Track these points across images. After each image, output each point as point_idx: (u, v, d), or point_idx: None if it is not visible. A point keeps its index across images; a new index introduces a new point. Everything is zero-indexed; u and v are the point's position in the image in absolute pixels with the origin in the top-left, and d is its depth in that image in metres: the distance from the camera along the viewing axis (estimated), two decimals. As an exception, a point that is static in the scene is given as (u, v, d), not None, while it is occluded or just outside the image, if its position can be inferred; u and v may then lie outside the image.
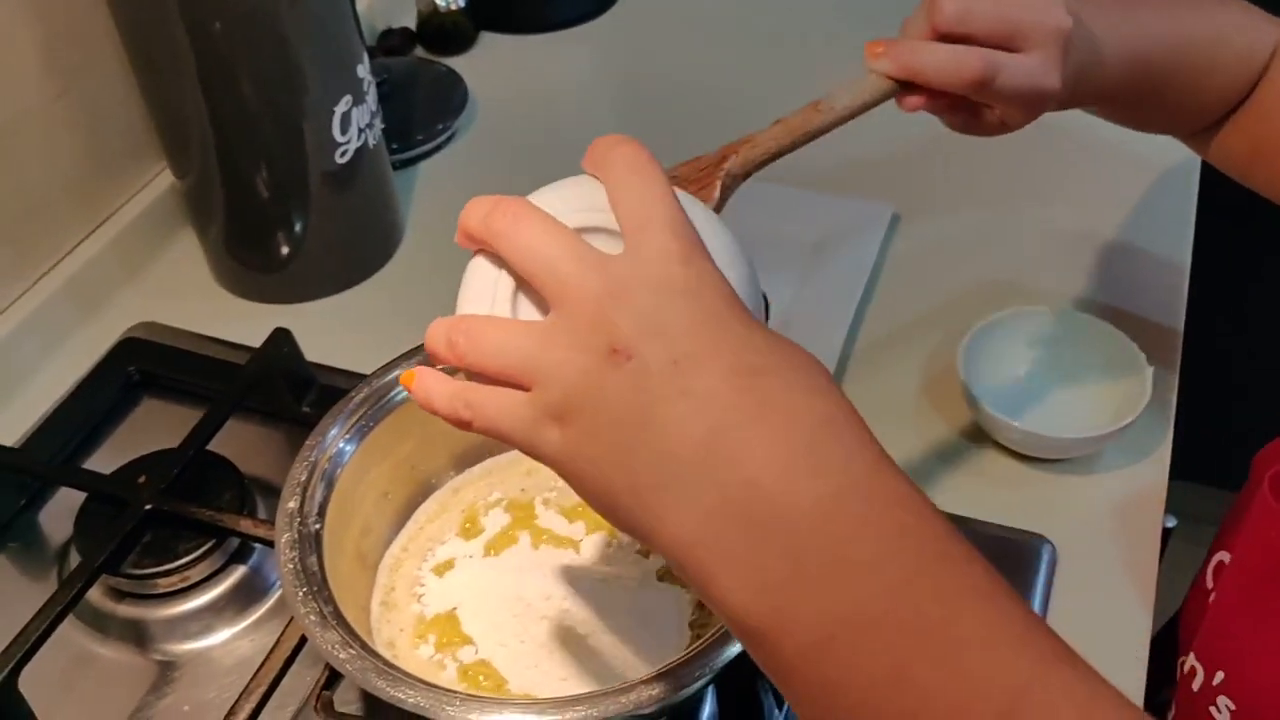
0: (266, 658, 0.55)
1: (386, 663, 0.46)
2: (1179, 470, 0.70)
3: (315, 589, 0.49)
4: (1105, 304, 0.79)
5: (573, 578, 0.55)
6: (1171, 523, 0.83)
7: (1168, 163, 0.80)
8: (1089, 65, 0.56)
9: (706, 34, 1.09)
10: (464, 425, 0.40)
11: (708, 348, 0.36)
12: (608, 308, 0.36)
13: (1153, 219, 0.81)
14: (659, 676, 0.45)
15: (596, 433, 0.36)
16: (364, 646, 0.47)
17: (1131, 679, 0.60)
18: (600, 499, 0.37)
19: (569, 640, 0.53)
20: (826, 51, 0.98)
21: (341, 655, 0.46)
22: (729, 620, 0.36)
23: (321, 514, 0.53)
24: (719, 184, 0.49)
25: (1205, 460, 1.15)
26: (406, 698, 0.45)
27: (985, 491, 0.68)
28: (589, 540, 0.58)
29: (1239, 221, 0.74)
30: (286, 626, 0.56)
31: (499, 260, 0.40)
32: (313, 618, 0.48)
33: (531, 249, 0.38)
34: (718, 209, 0.49)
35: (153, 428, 0.75)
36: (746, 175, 0.51)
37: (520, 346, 0.38)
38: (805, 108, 0.53)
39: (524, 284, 0.39)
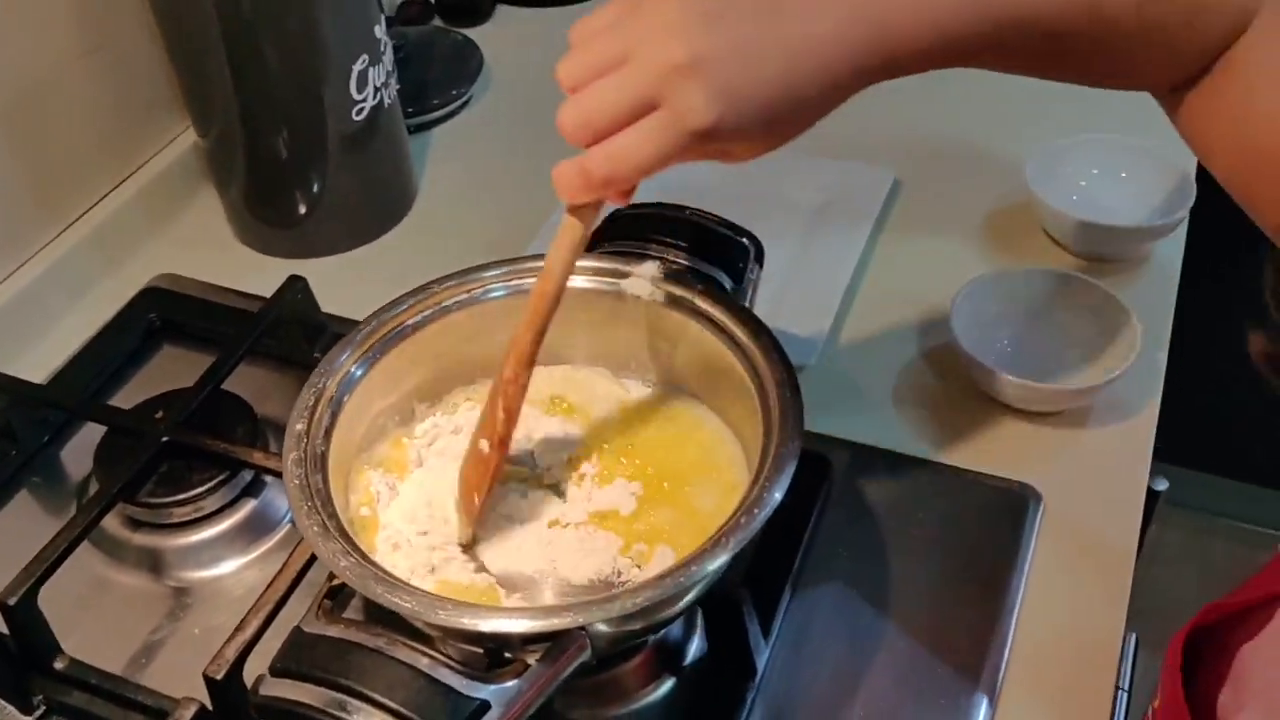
0: (274, 578, 0.58)
1: (385, 571, 0.48)
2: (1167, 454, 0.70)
3: (319, 503, 0.51)
4: (1100, 265, 0.80)
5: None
6: (1163, 485, 0.84)
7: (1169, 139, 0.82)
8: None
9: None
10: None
11: None
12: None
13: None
14: (646, 584, 0.46)
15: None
16: (363, 556, 0.49)
17: (1112, 622, 0.61)
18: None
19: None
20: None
21: (342, 563, 0.48)
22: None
23: (327, 436, 0.55)
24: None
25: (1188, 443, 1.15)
26: (403, 603, 0.47)
27: (977, 444, 0.70)
28: None
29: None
30: (295, 548, 0.59)
31: None
32: (315, 529, 0.50)
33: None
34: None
35: (171, 372, 0.78)
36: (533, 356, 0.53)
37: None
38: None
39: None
